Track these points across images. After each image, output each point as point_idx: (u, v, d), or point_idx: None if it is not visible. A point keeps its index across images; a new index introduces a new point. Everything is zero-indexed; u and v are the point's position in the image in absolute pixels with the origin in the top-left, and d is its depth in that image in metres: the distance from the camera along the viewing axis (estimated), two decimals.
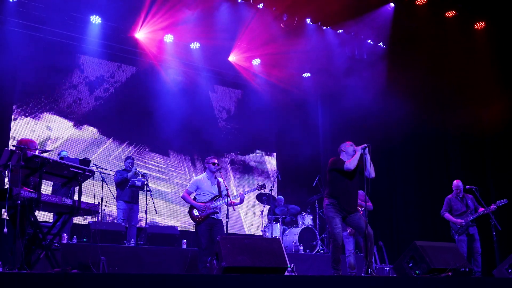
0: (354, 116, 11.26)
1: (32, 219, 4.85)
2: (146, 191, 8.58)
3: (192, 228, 10.21)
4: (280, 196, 10.83)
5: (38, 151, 5.10)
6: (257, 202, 10.84)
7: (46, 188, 7.91)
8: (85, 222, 8.91)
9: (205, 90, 11.85)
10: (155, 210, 8.71)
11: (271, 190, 10.00)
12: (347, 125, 11.60)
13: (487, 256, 8.39)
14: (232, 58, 11.72)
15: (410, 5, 10.46)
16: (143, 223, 9.08)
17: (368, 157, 5.90)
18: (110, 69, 10.95)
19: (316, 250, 9.56)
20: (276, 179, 10.84)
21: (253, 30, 10.78)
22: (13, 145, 4.98)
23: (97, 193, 7.89)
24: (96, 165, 8.18)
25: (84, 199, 5.30)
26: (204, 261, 6.44)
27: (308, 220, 10.08)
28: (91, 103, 10.52)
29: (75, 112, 10.33)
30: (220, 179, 6.96)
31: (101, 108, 10.54)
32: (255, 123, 12.13)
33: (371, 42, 11.69)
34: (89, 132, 10.42)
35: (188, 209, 6.97)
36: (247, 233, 11.90)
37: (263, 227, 10.25)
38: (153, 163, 11.01)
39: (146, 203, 8.49)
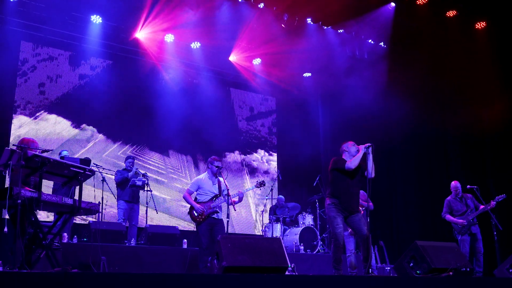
0: (355, 116, 11.26)
1: (33, 219, 4.85)
2: (147, 190, 8.58)
3: (189, 226, 10.22)
4: (281, 196, 10.83)
5: (38, 150, 5.10)
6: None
7: (47, 188, 7.91)
8: (86, 222, 8.91)
9: (206, 90, 11.84)
10: (156, 209, 8.71)
11: (271, 189, 10.01)
12: (348, 125, 11.60)
13: (488, 256, 8.38)
14: (232, 57, 11.72)
15: (411, 5, 10.46)
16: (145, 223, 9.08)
17: (370, 156, 5.89)
18: (111, 69, 10.94)
19: (316, 250, 9.56)
20: (276, 179, 10.84)
21: (254, 30, 10.79)
22: (13, 144, 4.98)
23: (97, 192, 7.91)
24: (96, 165, 8.18)
25: (84, 198, 5.30)
26: (204, 261, 6.43)
27: (308, 219, 10.07)
28: (91, 103, 10.50)
29: (76, 112, 10.31)
30: (221, 179, 6.96)
31: (101, 108, 10.52)
32: (255, 123, 12.12)
33: (372, 42, 11.68)
34: (90, 132, 10.42)
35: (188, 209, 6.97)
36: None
37: (263, 226, 10.26)
38: (151, 163, 10.99)
39: (147, 202, 8.49)
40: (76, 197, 5.34)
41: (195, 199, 6.88)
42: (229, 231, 6.87)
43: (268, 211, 10.61)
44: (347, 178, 6.01)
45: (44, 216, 8.68)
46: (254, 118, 12.12)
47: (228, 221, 6.76)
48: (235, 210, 7.15)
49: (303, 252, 9.30)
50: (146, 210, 8.60)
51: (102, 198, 8.29)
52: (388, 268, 8.73)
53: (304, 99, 13.00)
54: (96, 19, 10.06)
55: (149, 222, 8.85)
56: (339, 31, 11.38)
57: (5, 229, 4.70)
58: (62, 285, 3.27)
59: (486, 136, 10.64)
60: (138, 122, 10.91)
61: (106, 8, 9.82)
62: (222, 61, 11.74)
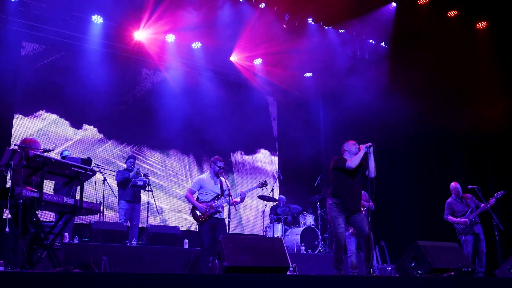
0: (356, 116, 11.25)
1: (34, 219, 4.85)
2: (148, 190, 8.58)
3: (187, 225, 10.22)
4: (282, 196, 10.83)
5: (40, 150, 5.10)
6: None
7: (48, 187, 7.92)
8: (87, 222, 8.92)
9: (207, 90, 11.83)
10: (157, 209, 8.71)
11: (272, 190, 10.00)
12: (349, 125, 11.59)
13: (489, 256, 8.38)
14: (233, 57, 11.72)
15: (412, 5, 10.46)
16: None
17: (372, 156, 5.89)
18: (111, 69, 10.93)
19: (317, 250, 9.56)
20: (277, 179, 10.84)
21: (255, 30, 10.79)
22: (15, 144, 4.98)
23: (99, 192, 7.91)
24: (97, 165, 8.18)
25: (85, 199, 5.30)
26: (206, 261, 6.43)
27: (309, 220, 10.07)
28: (92, 103, 10.50)
29: (77, 112, 10.31)
30: (222, 178, 6.96)
31: (102, 107, 10.52)
32: (256, 123, 12.12)
33: (373, 42, 11.68)
34: (90, 131, 10.41)
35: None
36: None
37: (264, 227, 10.25)
38: (151, 163, 10.99)
39: (148, 202, 8.49)
40: (78, 197, 5.34)
41: (197, 198, 6.89)
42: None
43: (269, 211, 10.60)
44: (348, 177, 6.01)
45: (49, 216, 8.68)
46: (255, 118, 12.10)
47: (229, 221, 6.76)
48: (236, 210, 7.15)
49: (304, 252, 9.30)
50: (147, 210, 8.60)
51: (103, 198, 8.29)
52: (389, 268, 8.72)
53: (305, 99, 13.00)
54: (97, 19, 10.06)
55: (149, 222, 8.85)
56: (340, 31, 11.38)
57: (7, 229, 4.70)
58: (63, 285, 3.27)
59: (486, 136, 10.64)
60: (138, 122, 10.91)
61: (107, 8, 9.83)
62: (223, 61, 11.74)
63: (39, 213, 5.01)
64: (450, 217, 8.27)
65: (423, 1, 10.38)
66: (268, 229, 9.87)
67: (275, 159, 12.90)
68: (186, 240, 8.08)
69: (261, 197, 10.26)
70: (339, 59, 11.52)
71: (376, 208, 7.90)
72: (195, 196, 6.93)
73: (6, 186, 4.81)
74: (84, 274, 4.03)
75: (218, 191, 6.87)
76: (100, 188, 8.22)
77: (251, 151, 12.53)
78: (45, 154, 5.02)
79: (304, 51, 11.30)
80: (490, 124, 10.33)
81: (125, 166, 8.94)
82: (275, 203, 10.42)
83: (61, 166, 5.15)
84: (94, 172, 5.39)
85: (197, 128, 11.38)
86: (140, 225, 8.66)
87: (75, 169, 5.16)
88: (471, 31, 10.67)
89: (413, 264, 5.82)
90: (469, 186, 8.27)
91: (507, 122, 10.03)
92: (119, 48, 10.80)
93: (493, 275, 7.30)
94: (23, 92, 9.84)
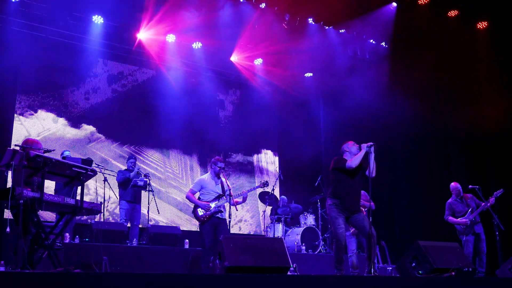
0: (356, 116, 11.25)
1: (35, 219, 4.85)
2: (149, 190, 8.58)
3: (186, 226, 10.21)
4: (282, 196, 10.83)
5: (40, 150, 5.10)
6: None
7: (49, 188, 7.92)
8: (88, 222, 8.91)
9: (207, 90, 11.83)
10: (157, 209, 8.71)
11: (273, 190, 10.00)
12: (349, 125, 11.58)
13: (489, 256, 8.38)
14: (234, 58, 11.72)
15: (413, 5, 10.46)
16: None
17: (372, 155, 5.89)
18: (111, 69, 10.94)
19: (318, 250, 9.56)
20: (278, 179, 10.84)
21: (255, 30, 10.78)
22: (15, 145, 4.98)
23: (99, 192, 7.91)
24: (98, 165, 8.18)
25: (86, 199, 5.30)
26: (207, 261, 6.44)
27: (310, 220, 10.07)
28: (93, 103, 10.51)
29: (77, 112, 10.32)
30: (223, 179, 6.97)
31: (102, 107, 10.53)
32: (257, 123, 12.11)
33: (373, 42, 11.68)
34: (91, 131, 10.41)
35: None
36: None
37: (265, 227, 10.26)
38: (151, 163, 10.99)
39: (148, 202, 8.49)
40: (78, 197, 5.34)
41: (198, 199, 6.89)
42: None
43: (270, 211, 10.60)
44: (348, 177, 6.00)
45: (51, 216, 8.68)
46: (255, 118, 12.09)
47: (229, 221, 6.76)
48: (236, 210, 7.15)
49: (304, 252, 9.30)
50: (148, 210, 8.60)
51: (104, 198, 8.29)
52: (390, 268, 8.71)
53: (306, 99, 12.99)
54: (97, 19, 10.06)
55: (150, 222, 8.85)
56: (340, 31, 11.37)
57: (8, 229, 4.70)
58: (63, 285, 3.27)
59: (487, 136, 10.64)
60: (139, 122, 10.90)
61: (107, 9, 9.82)
62: (224, 61, 11.73)
63: (40, 213, 5.01)
64: (450, 218, 8.27)
65: (423, 1, 10.38)
66: (268, 229, 9.88)
67: (276, 159, 12.89)
68: (187, 240, 8.08)
69: (263, 199, 10.29)
70: (339, 59, 11.52)
71: (377, 208, 7.90)
72: (196, 196, 6.93)
73: (7, 186, 4.82)
74: (85, 274, 4.03)
75: (219, 191, 6.88)
76: (100, 188, 8.23)
77: (251, 151, 12.52)
78: (46, 154, 5.02)
79: (304, 51, 11.29)
80: (490, 124, 10.32)
81: (125, 166, 8.93)
82: (275, 204, 10.43)
83: (62, 166, 5.15)
84: (94, 172, 5.39)
85: (197, 128, 11.37)
86: (140, 225, 8.66)
87: (76, 169, 5.16)
88: (471, 31, 10.67)
89: (413, 264, 5.81)
90: (470, 186, 8.26)
91: (507, 122, 10.03)
92: (119, 48, 10.80)
93: (493, 275, 7.30)
94: (23, 92, 9.84)
